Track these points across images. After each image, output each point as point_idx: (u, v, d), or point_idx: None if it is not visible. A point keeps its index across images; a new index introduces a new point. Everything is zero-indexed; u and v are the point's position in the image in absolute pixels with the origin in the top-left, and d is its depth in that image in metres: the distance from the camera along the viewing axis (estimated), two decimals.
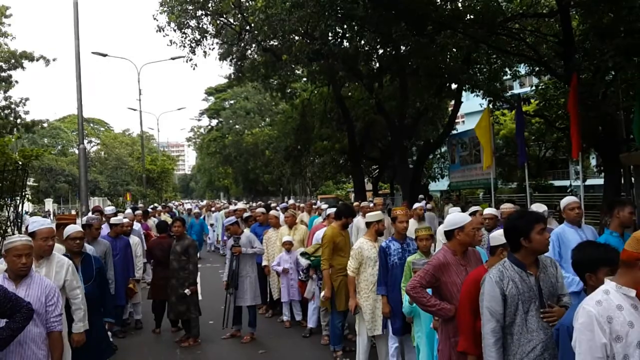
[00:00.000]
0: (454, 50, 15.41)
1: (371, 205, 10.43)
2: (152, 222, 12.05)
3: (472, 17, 14.07)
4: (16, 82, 25.65)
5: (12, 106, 26.19)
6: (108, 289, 5.80)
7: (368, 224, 5.97)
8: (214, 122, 54.26)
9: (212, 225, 19.11)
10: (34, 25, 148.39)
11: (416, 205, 9.65)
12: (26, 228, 4.67)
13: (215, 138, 49.45)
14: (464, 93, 19.77)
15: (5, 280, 3.71)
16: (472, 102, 28.74)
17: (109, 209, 10.29)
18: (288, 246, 8.13)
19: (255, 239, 7.75)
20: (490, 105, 15.09)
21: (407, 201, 13.92)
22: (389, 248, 5.47)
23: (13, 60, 25.03)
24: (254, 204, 17.63)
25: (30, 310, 3.52)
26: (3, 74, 25.20)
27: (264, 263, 8.58)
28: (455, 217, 4.12)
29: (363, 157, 24.53)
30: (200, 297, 8.32)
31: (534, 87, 18.85)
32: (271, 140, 33.43)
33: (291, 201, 14.90)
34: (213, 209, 21.50)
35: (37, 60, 25.37)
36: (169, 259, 7.40)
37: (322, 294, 6.59)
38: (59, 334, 3.87)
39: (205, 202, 34.26)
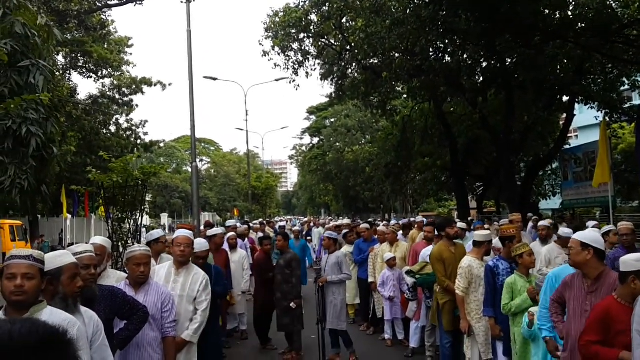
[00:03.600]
0: (565, 60, 14.65)
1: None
2: (255, 236, 12.48)
3: (583, 25, 13.28)
4: (137, 105, 28.14)
5: (133, 128, 28.73)
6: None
7: (478, 243, 5.77)
8: (316, 140, 55.43)
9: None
10: (152, 53, 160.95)
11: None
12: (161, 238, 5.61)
13: (317, 156, 50.39)
14: (576, 105, 18.67)
15: (126, 287, 4.02)
16: (586, 115, 27.03)
17: (231, 222, 11.32)
18: (392, 263, 8.02)
19: (345, 262, 7.47)
20: (607, 118, 14.08)
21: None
22: (497, 267, 5.24)
23: (134, 86, 27.40)
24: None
25: (146, 314, 3.78)
26: (125, 98, 27.63)
27: (370, 279, 8.54)
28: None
29: (466, 174, 23.80)
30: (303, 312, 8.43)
31: None
32: (371, 157, 33.47)
33: (393, 222, 14.66)
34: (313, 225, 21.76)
35: (155, 85, 27.59)
36: (270, 273, 7.60)
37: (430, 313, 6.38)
38: (172, 339, 4.11)
39: (306, 218, 34.91)
